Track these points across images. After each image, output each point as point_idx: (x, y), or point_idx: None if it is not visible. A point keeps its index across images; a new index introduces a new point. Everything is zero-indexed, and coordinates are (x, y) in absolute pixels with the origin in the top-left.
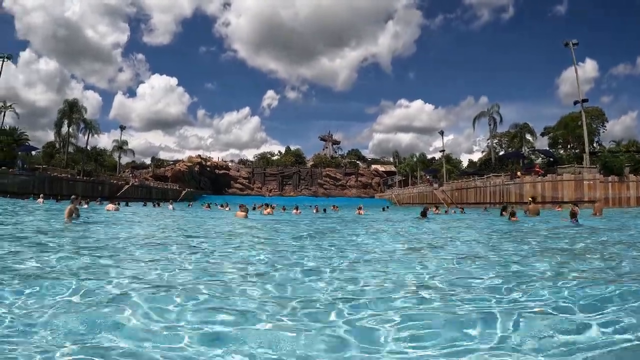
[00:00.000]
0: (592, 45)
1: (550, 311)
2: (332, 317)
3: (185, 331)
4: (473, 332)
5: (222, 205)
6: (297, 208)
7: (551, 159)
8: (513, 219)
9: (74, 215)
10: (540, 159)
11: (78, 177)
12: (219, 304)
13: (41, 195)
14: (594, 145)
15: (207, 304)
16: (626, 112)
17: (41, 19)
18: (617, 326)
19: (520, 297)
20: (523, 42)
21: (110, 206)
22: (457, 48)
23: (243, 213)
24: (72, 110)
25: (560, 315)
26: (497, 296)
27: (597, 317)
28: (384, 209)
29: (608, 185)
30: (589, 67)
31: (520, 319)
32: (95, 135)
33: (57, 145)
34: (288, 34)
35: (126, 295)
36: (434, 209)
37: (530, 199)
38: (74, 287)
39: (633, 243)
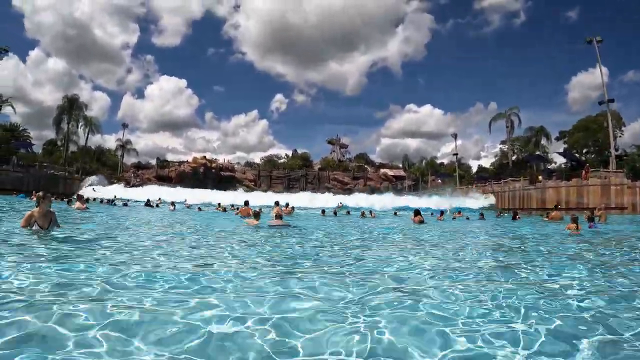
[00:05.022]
0: (603, 51)
1: None
2: None
3: None
4: None
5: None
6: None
7: (574, 163)
8: (574, 228)
9: (37, 224)
10: (553, 164)
11: (76, 175)
12: None
13: (34, 192)
14: (609, 150)
15: None
16: (636, 120)
17: (50, 18)
18: None
19: None
20: (533, 48)
21: (78, 204)
22: (467, 53)
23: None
24: (72, 106)
25: None
26: None
27: None
28: (395, 213)
29: (636, 190)
30: (599, 74)
31: None
32: (102, 136)
33: (58, 143)
34: (297, 38)
35: None
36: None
37: (554, 206)
38: None
39: None
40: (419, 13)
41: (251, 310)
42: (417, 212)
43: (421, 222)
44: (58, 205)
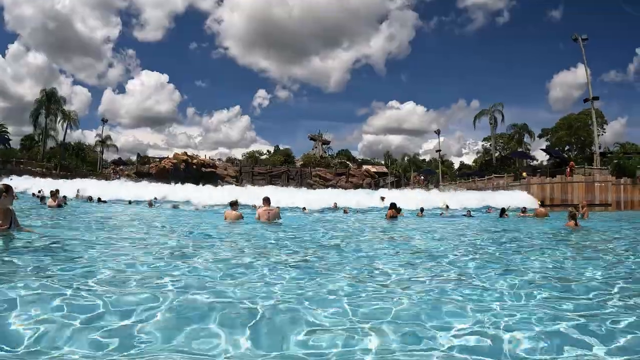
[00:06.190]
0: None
1: None
2: None
3: None
4: None
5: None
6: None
7: (558, 160)
8: (572, 225)
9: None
10: (535, 160)
11: (54, 171)
12: None
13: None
14: (591, 148)
15: None
16: (615, 118)
17: (31, 10)
18: None
19: None
20: (516, 47)
21: (50, 201)
22: (451, 51)
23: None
24: (50, 100)
25: None
26: None
27: None
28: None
29: (620, 188)
30: (580, 73)
31: None
32: (82, 131)
33: (36, 138)
34: (281, 33)
35: None
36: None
37: (539, 202)
38: None
39: None
40: (403, 10)
41: None
42: (392, 205)
43: (393, 217)
44: (30, 203)
